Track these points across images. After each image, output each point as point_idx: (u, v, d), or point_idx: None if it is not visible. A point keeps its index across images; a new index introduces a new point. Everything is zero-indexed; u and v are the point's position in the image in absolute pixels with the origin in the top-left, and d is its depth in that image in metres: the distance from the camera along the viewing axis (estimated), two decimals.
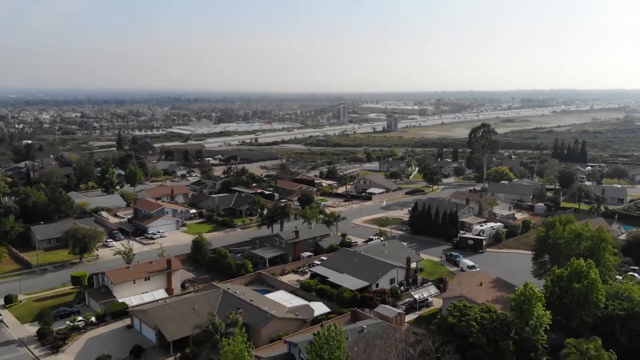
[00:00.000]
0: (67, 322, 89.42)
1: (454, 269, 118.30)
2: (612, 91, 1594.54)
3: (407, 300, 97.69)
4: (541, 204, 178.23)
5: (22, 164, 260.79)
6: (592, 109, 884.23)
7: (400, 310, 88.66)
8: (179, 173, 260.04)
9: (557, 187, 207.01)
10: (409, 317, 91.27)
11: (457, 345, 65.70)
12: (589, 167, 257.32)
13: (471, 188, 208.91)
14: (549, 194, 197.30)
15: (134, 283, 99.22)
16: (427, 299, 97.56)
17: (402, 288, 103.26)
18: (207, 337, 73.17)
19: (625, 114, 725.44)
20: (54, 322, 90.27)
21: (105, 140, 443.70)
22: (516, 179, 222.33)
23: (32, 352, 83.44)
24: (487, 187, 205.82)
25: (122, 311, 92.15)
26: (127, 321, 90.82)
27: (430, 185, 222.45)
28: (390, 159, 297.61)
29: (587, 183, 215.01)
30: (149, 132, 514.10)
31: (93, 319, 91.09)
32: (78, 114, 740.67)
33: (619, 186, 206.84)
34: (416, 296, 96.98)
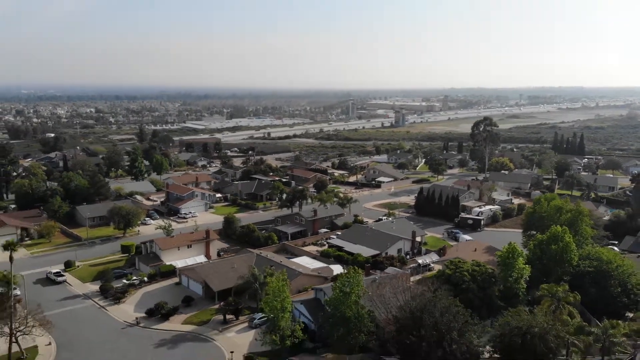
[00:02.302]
0: (124, 280, 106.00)
1: (454, 243, 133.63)
2: (619, 89, 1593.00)
3: (412, 265, 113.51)
4: (537, 191, 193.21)
5: (52, 155, 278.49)
6: (597, 106, 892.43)
7: (406, 271, 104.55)
8: (199, 163, 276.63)
9: (553, 176, 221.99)
10: (413, 279, 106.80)
11: (452, 289, 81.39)
12: (586, 159, 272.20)
13: (473, 177, 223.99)
14: (546, 182, 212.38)
15: (179, 250, 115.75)
16: (429, 264, 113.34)
17: (407, 256, 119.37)
18: (248, 286, 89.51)
19: (628, 111, 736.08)
20: (113, 280, 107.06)
21: (124, 133, 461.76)
22: (516, 169, 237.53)
23: (97, 303, 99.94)
24: (488, 176, 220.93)
25: (171, 271, 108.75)
26: (175, 279, 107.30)
27: (436, 175, 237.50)
28: (398, 152, 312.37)
29: (584, 173, 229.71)
30: (165, 127, 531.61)
31: (145, 278, 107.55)
32: (92, 109, 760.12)
33: (611, 175, 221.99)
34: (420, 261, 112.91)
